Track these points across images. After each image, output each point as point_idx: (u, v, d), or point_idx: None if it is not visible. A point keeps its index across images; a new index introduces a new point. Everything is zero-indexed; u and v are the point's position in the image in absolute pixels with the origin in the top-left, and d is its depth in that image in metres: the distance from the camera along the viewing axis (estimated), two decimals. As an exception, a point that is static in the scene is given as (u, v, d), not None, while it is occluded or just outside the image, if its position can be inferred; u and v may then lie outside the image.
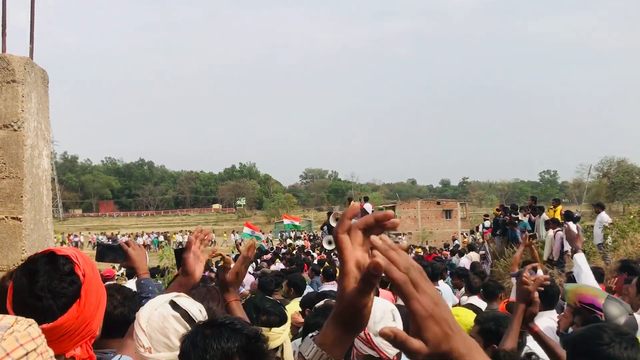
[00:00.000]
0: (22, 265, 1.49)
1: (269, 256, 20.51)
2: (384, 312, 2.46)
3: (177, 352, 1.60)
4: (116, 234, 49.69)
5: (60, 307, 1.42)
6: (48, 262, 1.46)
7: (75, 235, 51.51)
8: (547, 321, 4.15)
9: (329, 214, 20.76)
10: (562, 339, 2.53)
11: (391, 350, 2.35)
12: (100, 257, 2.48)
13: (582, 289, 3.44)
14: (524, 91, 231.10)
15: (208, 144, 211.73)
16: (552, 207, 15.98)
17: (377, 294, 5.92)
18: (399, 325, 2.45)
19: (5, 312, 2.01)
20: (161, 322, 1.67)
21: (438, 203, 56.90)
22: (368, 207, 20.54)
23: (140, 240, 42.51)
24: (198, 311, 1.75)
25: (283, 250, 25.85)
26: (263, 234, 36.98)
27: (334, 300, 3.49)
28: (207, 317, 1.75)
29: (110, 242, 2.59)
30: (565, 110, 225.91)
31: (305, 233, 45.30)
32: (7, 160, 3.04)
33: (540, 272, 6.25)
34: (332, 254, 16.51)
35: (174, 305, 1.72)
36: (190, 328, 1.66)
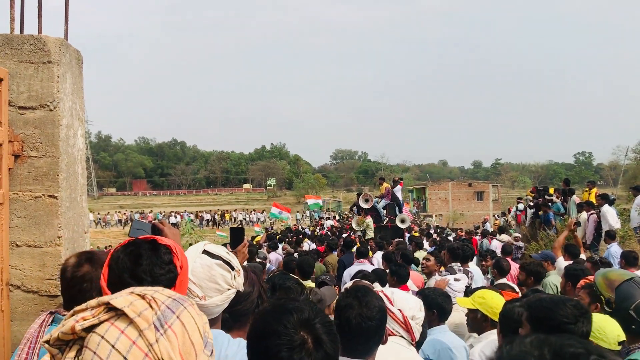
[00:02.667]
0: (124, 247, 1.57)
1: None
2: (415, 302, 2.68)
3: (227, 293, 1.87)
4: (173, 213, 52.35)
5: None
6: (151, 249, 1.56)
7: (152, 211, 54.94)
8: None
9: (359, 194, 20.73)
10: (526, 304, 2.53)
11: (418, 334, 2.63)
12: (133, 234, 2.53)
13: (610, 275, 3.37)
14: (559, 70, 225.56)
15: (239, 125, 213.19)
16: (587, 189, 15.65)
17: (408, 277, 5.93)
18: (423, 314, 2.76)
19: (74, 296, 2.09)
20: (207, 271, 1.84)
21: (469, 185, 56.18)
22: (398, 189, 20.39)
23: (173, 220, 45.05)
24: (226, 254, 1.92)
25: (310, 230, 25.94)
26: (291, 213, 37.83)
27: (363, 281, 3.55)
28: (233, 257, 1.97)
29: (144, 220, 2.64)
30: (602, 89, 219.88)
31: (333, 213, 45.33)
32: (43, 140, 3.10)
33: (583, 257, 6.22)
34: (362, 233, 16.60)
35: (208, 254, 1.89)
36: (230, 271, 1.89)
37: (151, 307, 1.05)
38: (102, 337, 0.99)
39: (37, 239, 3.07)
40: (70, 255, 2.44)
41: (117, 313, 1.03)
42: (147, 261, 1.53)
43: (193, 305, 1.12)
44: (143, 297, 1.07)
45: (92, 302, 1.07)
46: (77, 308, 1.07)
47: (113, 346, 0.98)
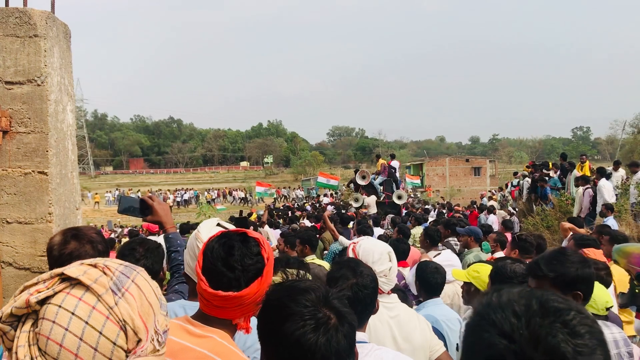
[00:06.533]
0: (218, 238, 1.73)
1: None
2: (381, 253, 2.55)
3: None
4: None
5: (245, 280, 1.65)
6: (241, 241, 1.71)
7: (185, 191, 54.54)
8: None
9: (356, 171, 20.73)
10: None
11: (386, 287, 2.55)
12: (122, 209, 2.50)
13: (629, 249, 3.39)
14: (556, 44, 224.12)
15: (235, 102, 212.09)
16: (580, 162, 15.67)
17: (408, 251, 5.93)
18: (394, 265, 2.62)
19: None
20: None
21: (467, 160, 56.15)
22: (395, 164, 20.41)
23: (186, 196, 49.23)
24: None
25: (308, 208, 25.97)
26: (277, 188, 38.68)
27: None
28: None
29: (133, 196, 2.62)
30: (599, 63, 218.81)
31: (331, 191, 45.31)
32: (31, 115, 3.06)
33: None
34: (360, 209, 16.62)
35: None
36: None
37: (105, 274, 1.06)
38: (60, 306, 1.00)
39: (28, 216, 3.05)
40: (55, 233, 2.42)
41: (71, 283, 1.03)
42: (238, 252, 1.68)
43: (144, 271, 1.15)
44: (95, 265, 1.08)
45: (44, 275, 1.07)
46: (27, 283, 1.06)
47: (73, 313, 0.99)
